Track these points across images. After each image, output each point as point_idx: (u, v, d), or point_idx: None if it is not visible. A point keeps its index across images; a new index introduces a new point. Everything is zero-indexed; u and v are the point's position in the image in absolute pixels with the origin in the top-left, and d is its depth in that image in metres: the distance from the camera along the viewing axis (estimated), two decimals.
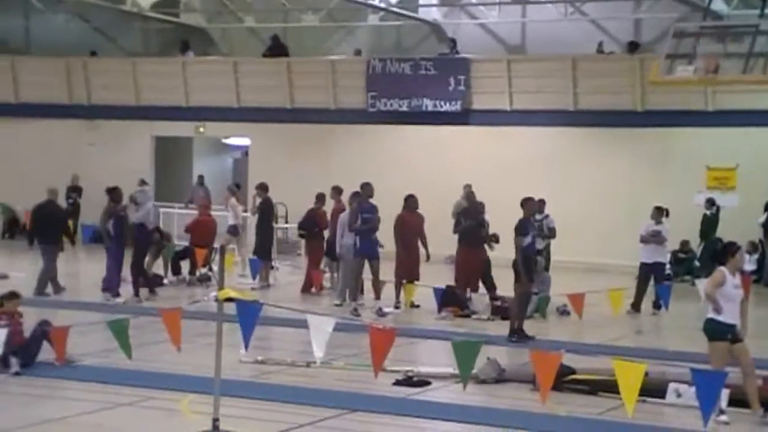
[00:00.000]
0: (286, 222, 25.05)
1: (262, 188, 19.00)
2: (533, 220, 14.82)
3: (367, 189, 16.19)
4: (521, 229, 14.02)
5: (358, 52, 26.56)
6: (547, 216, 16.92)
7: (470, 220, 16.07)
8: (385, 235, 17.27)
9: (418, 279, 16.39)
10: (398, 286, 16.19)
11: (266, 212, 18.90)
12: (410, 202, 16.53)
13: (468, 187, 19.09)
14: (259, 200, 18.91)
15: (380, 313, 15.42)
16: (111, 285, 16.33)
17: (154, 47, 29.77)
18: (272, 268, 20.13)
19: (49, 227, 16.87)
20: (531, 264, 14.06)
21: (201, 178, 27.43)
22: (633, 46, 24.27)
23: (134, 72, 27.27)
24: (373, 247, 16.02)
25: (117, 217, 16.24)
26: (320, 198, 18.42)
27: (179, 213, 24.54)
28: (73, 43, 28.77)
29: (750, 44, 20.53)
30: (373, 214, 15.98)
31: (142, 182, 21.70)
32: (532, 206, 14.53)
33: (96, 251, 22.54)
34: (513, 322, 13.89)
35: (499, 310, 15.73)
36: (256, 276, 18.36)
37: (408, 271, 16.24)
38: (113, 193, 16.56)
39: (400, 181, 21.85)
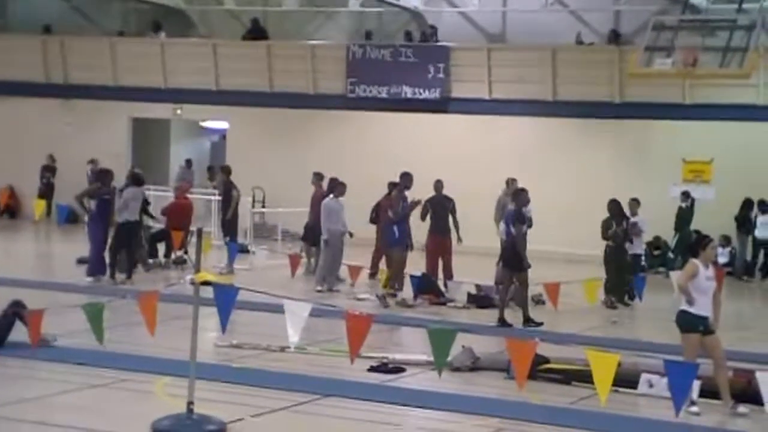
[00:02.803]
0: (263, 206, 25.01)
1: (224, 171, 19.07)
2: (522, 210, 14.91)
3: (405, 179, 16.01)
4: (520, 217, 14.33)
5: (369, 35, 26.10)
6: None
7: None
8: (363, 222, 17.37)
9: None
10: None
11: (226, 196, 18.85)
12: (391, 189, 16.50)
13: (513, 181, 17.68)
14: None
15: (383, 302, 15.34)
16: (94, 269, 16.23)
17: (133, 27, 29.55)
18: (247, 252, 20.14)
19: None
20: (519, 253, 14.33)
21: (189, 162, 27.42)
22: (614, 36, 24.35)
23: (112, 52, 27.08)
24: (408, 236, 15.91)
25: (101, 200, 16.15)
26: (389, 186, 17.31)
27: (155, 195, 24.42)
28: (51, 21, 28.52)
29: (727, 38, 20.69)
30: (407, 203, 15.87)
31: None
32: (524, 198, 14.69)
33: (71, 231, 22.50)
34: (525, 310, 14.21)
35: (475, 299, 15.80)
36: (233, 262, 18.24)
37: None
38: (104, 175, 16.49)
39: (379, 168, 21.87)
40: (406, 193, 15.97)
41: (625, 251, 16.67)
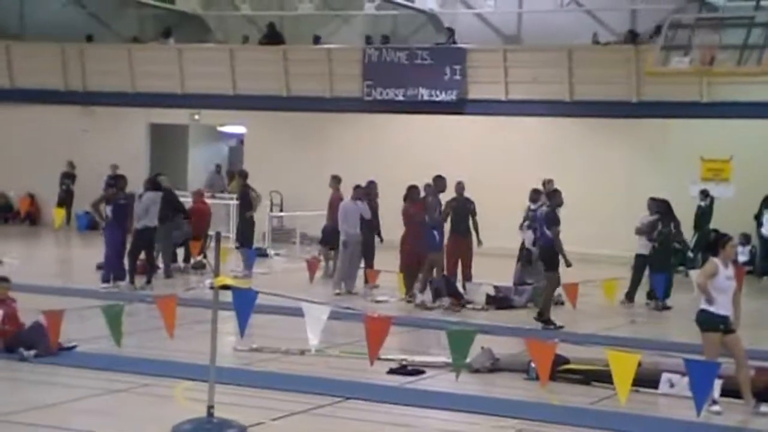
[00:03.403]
0: (281, 210, 25.06)
1: (241, 176, 19.11)
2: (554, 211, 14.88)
3: (439, 183, 15.99)
4: (555, 219, 14.36)
5: (386, 39, 26.24)
6: (541, 206, 16.96)
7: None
8: (387, 227, 17.35)
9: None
10: (408, 278, 16.14)
11: (243, 200, 18.91)
12: (412, 192, 16.48)
13: (550, 182, 17.50)
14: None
15: (422, 304, 15.33)
16: (108, 275, 16.30)
17: (150, 34, 29.69)
18: (265, 256, 20.18)
19: None
20: (559, 253, 14.35)
21: (219, 167, 27.59)
22: (631, 36, 24.27)
23: (130, 58, 27.20)
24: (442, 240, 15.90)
25: (116, 205, 16.23)
26: (425, 188, 16.79)
27: None
28: (69, 28, 28.69)
29: (745, 36, 20.57)
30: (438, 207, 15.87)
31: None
32: (559, 198, 14.74)
33: (91, 237, 22.62)
34: (546, 310, 14.21)
35: (494, 300, 15.78)
36: (251, 266, 18.24)
37: (414, 264, 16.21)
38: (118, 180, 16.60)
39: (396, 171, 21.88)
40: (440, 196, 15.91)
41: (671, 252, 16.56)
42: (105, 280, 16.29)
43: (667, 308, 16.09)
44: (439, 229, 15.62)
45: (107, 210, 16.30)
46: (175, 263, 18.73)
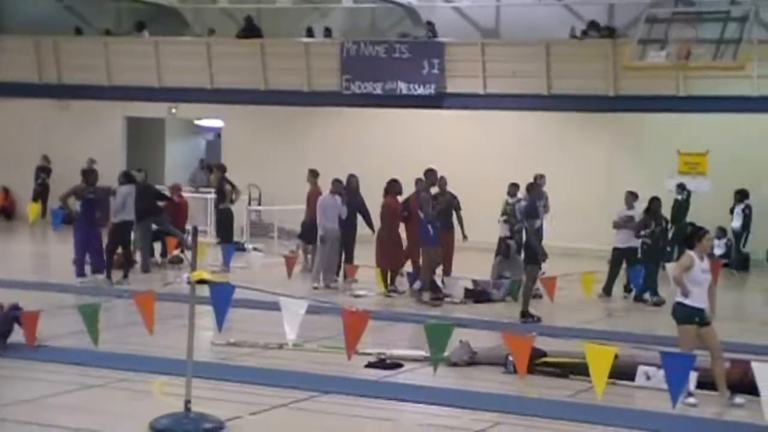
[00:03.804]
0: (259, 204, 24.99)
1: (219, 169, 19.07)
2: (539, 205, 14.87)
3: (430, 176, 15.89)
4: (532, 212, 14.36)
5: (327, 32, 26.36)
6: (519, 200, 17.00)
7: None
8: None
9: (402, 266, 16.39)
10: (384, 273, 16.14)
11: (219, 194, 18.85)
12: (393, 186, 16.44)
13: (542, 177, 17.68)
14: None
15: (421, 297, 15.30)
16: (82, 270, 16.24)
17: (128, 27, 29.51)
18: (243, 250, 20.11)
19: None
20: (540, 247, 14.37)
21: (202, 161, 27.45)
22: (595, 25, 24.24)
23: (106, 52, 27.04)
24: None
25: (85, 200, 16.14)
26: (416, 183, 16.76)
27: None
28: (45, 21, 28.46)
29: (721, 30, 20.70)
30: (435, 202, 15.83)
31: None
32: (539, 191, 14.68)
33: (66, 232, 22.45)
34: (524, 304, 14.20)
35: (472, 294, 15.81)
36: (229, 261, 18.15)
37: (393, 260, 16.20)
38: (89, 175, 16.51)
39: (375, 164, 21.88)
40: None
41: (661, 249, 16.65)
42: (79, 274, 16.22)
43: (661, 303, 15.90)
44: (433, 223, 15.54)
45: (77, 205, 16.22)
46: (152, 257, 18.67)
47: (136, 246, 17.95)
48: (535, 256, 14.27)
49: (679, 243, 18.54)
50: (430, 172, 15.96)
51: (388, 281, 16.20)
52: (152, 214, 17.80)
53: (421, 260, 15.76)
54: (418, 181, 16.16)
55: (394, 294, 16.00)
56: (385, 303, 15.47)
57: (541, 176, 17.71)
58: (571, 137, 23.62)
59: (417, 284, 15.54)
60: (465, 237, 16.69)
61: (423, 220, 15.47)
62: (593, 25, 23.99)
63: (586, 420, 8.93)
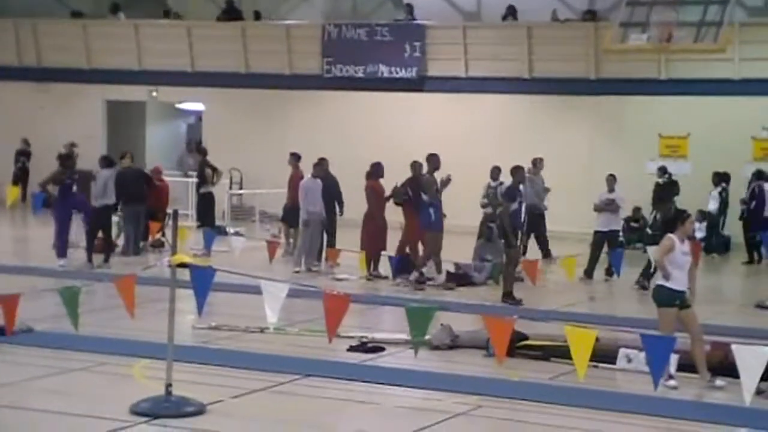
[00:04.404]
0: (240, 188, 24.91)
1: (200, 152, 19.01)
2: (518, 188, 14.83)
3: (433, 160, 15.71)
4: (510, 195, 14.32)
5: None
6: (501, 183, 17.01)
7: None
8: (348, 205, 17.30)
9: (384, 249, 16.35)
10: (369, 257, 16.10)
11: (200, 177, 18.79)
12: (376, 169, 16.37)
13: (540, 161, 17.98)
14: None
15: (418, 283, 15.21)
16: (63, 250, 16.18)
17: (105, 9, 29.25)
18: (224, 234, 20.03)
19: None
20: (518, 230, 14.37)
21: (189, 144, 27.29)
22: (589, 14, 24.29)
23: (85, 34, 26.84)
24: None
25: (63, 185, 16.06)
26: (412, 166, 16.56)
27: None
28: (22, 3, 28.18)
29: (702, 13, 20.72)
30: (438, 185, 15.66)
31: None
32: (521, 175, 14.73)
33: (47, 216, 22.31)
34: (506, 285, 14.19)
35: (454, 277, 15.82)
36: (210, 244, 18.07)
37: (378, 244, 16.14)
38: (66, 160, 16.41)
39: (357, 147, 21.84)
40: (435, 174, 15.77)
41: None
42: (60, 255, 16.16)
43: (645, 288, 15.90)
44: (436, 206, 15.39)
45: (56, 191, 16.17)
46: (145, 240, 18.59)
47: (120, 230, 17.88)
48: (515, 239, 14.25)
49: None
50: (432, 156, 15.81)
51: (371, 266, 16.18)
52: (140, 199, 17.73)
53: (421, 246, 15.67)
54: (415, 164, 16.04)
55: (376, 278, 15.99)
56: (367, 287, 15.46)
57: (540, 159, 17.78)
58: (552, 120, 23.63)
59: (413, 275, 15.45)
60: (443, 215, 16.67)
61: (425, 203, 15.40)
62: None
63: (567, 402, 8.96)
